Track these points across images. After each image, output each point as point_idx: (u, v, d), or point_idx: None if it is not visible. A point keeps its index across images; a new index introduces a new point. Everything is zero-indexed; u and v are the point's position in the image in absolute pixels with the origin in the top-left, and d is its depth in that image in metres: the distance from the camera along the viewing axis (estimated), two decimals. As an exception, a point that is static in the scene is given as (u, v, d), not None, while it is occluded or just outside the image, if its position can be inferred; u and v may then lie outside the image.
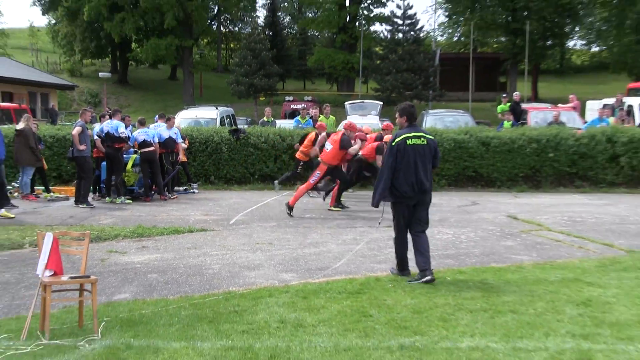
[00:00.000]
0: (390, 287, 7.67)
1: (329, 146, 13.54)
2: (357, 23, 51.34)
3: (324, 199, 15.08)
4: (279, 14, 66.49)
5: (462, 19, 55.63)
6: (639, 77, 42.52)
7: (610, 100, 23.05)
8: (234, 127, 20.33)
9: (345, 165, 14.98)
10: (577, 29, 52.79)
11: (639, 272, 8.49)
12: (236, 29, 70.46)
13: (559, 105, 25.54)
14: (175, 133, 16.55)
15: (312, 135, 15.91)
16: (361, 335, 5.98)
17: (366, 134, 15.13)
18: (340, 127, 15.84)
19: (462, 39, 61.96)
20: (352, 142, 13.57)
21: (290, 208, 13.33)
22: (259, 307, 6.83)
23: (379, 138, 14.73)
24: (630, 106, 21.76)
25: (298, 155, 16.03)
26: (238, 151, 18.26)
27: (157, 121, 16.87)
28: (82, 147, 14.51)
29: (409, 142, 7.94)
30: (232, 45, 72.41)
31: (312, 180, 13.57)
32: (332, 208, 14.09)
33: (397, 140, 7.98)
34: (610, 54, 50.78)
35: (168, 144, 16.24)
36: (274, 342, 5.79)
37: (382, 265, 8.82)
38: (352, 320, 6.38)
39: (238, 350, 5.57)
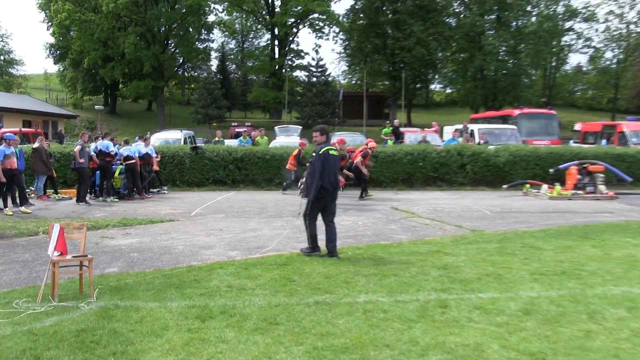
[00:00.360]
0: (308, 260, 7.66)
1: None
2: (283, 70, 51.02)
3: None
4: (227, 63, 65.60)
5: (358, 68, 56.23)
6: (478, 110, 44.11)
7: (460, 126, 23.70)
8: (194, 145, 20.06)
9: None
10: (436, 76, 54.27)
11: (479, 245, 8.78)
12: (196, 73, 68.93)
13: (425, 129, 26.14)
14: (150, 149, 16.41)
15: (295, 152, 16.27)
16: (287, 295, 5.96)
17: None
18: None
19: (359, 82, 62.47)
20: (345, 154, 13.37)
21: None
22: (212, 276, 6.71)
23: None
24: (472, 130, 22.54)
25: (288, 167, 16.19)
26: (197, 162, 17.94)
27: (137, 141, 16.50)
28: (81, 160, 14.15)
29: (330, 152, 8.04)
30: (192, 85, 70.70)
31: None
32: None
33: (322, 150, 7.99)
34: (459, 94, 52.71)
35: (145, 158, 16.06)
36: (224, 301, 5.71)
37: (302, 245, 8.73)
38: (281, 285, 6.35)
39: (197, 308, 5.48)
